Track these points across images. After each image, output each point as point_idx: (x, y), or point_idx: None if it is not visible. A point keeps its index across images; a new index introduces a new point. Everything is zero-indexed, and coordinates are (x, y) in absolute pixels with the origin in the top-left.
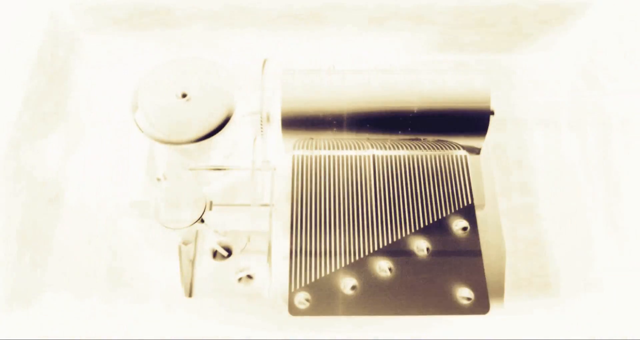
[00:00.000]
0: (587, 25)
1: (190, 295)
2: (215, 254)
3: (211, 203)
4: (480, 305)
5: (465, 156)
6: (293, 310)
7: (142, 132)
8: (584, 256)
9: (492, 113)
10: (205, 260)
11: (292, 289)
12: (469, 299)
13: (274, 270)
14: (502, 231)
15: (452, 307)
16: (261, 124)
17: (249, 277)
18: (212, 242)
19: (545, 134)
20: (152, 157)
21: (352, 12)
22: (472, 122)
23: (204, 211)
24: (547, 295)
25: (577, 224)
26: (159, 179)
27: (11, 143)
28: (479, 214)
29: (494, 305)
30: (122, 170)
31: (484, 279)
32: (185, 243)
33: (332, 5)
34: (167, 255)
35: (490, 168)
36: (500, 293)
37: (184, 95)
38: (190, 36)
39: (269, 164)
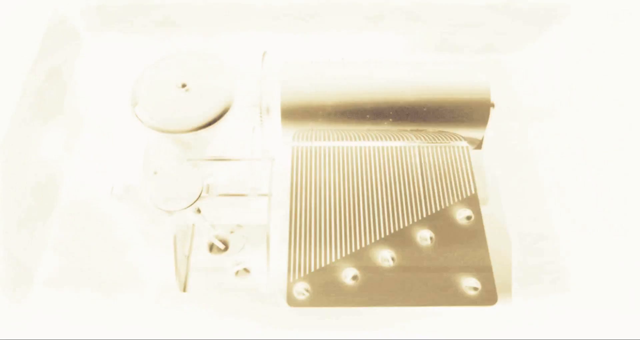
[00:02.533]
0: (584, 23)
1: (184, 289)
2: (211, 247)
3: (208, 187)
4: (488, 296)
5: (467, 147)
6: (292, 301)
7: (141, 122)
8: (592, 250)
9: (493, 106)
10: (201, 254)
11: (291, 279)
12: (475, 288)
13: (271, 263)
14: (506, 226)
15: (458, 298)
16: (260, 115)
17: (246, 270)
18: (209, 235)
19: (547, 130)
20: (150, 152)
21: (351, 11)
22: (472, 112)
23: (201, 193)
24: (557, 291)
25: (583, 218)
26: (155, 173)
27: (8, 132)
28: (482, 208)
29: (502, 300)
30: (119, 165)
31: (491, 268)
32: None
33: (331, 5)
34: (163, 251)
35: (493, 164)
36: (507, 288)
37: (184, 85)
38: (191, 36)
39: (268, 154)
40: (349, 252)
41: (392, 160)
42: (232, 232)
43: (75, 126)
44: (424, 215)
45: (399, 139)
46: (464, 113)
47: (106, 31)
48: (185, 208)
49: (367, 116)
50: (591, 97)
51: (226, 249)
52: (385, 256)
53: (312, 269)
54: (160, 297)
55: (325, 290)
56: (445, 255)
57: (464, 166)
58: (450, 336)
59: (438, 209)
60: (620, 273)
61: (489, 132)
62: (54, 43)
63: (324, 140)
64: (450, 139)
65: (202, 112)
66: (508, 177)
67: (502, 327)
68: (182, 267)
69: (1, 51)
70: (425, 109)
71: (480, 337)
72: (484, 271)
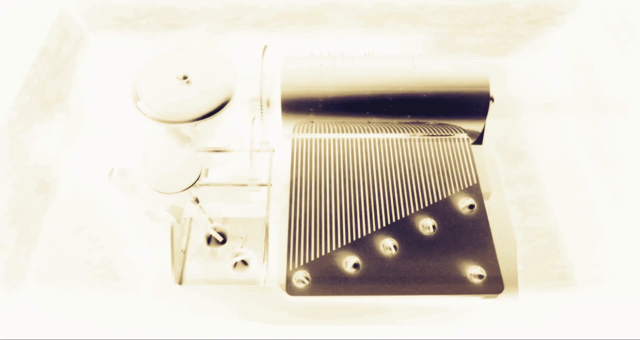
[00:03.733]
0: (581, 21)
1: (180, 282)
2: (209, 239)
3: (207, 170)
4: (493, 284)
5: (467, 138)
6: (291, 289)
7: (142, 113)
8: (596, 245)
9: (492, 99)
10: (198, 246)
11: (290, 268)
12: (480, 276)
13: (270, 256)
14: (510, 220)
15: (463, 287)
16: (261, 108)
17: (244, 263)
18: (207, 227)
19: (546, 129)
20: (149, 144)
21: (351, 12)
22: (471, 105)
23: (199, 176)
24: (563, 285)
25: (586, 213)
26: (155, 158)
27: (7, 122)
28: (485, 203)
29: (508, 294)
30: (119, 153)
31: (495, 255)
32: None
33: (331, 5)
34: (159, 245)
35: (495, 161)
36: (514, 282)
37: (185, 77)
38: (193, 37)
39: (268, 145)
40: (349, 241)
41: (393, 152)
42: (230, 224)
43: (76, 122)
44: (426, 205)
45: (399, 131)
46: (464, 105)
47: (110, 33)
48: (183, 190)
49: (367, 108)
50: (589, 96)
51: (224, 241)
52: (387, 244)
53: (312, 258)
54: (156, 290)
55: (326, 279)
56: (448, 244)
57: (465, 157)
58: (454, 332)
59: (440, 198)
60: (621, 266)
61: (490, 130)
62: (58, 40)
63: (324, 132)
64: (451, 131)
65: (203, 103)
66: (509, 173)
67: (508, 322)
68: (178, 259)
69: (5, 47)
70: (425, 102)
71: (484, 332)
72: (489, 259)
